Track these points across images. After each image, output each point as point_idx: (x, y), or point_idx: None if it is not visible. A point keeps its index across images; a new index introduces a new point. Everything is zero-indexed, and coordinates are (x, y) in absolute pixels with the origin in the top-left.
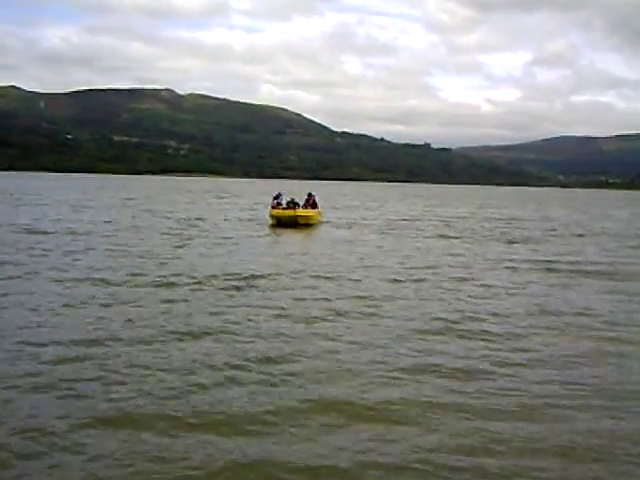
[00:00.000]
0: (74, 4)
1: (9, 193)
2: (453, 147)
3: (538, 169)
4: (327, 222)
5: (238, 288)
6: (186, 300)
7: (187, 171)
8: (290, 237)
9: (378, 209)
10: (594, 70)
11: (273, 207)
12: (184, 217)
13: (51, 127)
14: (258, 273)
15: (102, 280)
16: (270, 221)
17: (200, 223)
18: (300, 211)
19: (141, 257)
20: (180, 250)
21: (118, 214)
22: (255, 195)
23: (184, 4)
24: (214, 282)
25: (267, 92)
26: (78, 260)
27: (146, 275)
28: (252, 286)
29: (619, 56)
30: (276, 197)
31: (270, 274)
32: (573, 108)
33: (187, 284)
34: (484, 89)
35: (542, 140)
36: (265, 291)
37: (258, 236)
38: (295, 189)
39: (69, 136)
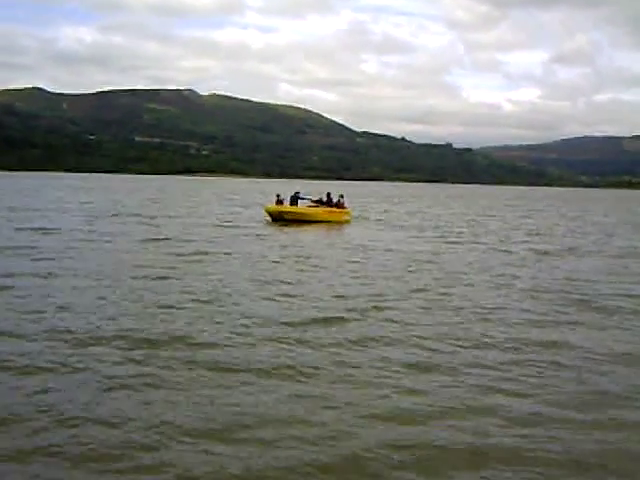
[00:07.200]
0: (84, 3)
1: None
2: (474, 147)
3: (560, 169)
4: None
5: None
6: None
7: (209, 171)
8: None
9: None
10: (616, 68)
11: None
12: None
13: (74, 128)
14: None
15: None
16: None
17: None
18: (286, 207)
19: None
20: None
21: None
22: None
23: (196, 2)
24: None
25: (285, 91)
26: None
27: None
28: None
29: None
30: (294, 195)
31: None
32: (595, 107)
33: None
34: (504, 88)
35: (564, 140)
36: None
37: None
38: (329, 189)
39: (91, 137)
